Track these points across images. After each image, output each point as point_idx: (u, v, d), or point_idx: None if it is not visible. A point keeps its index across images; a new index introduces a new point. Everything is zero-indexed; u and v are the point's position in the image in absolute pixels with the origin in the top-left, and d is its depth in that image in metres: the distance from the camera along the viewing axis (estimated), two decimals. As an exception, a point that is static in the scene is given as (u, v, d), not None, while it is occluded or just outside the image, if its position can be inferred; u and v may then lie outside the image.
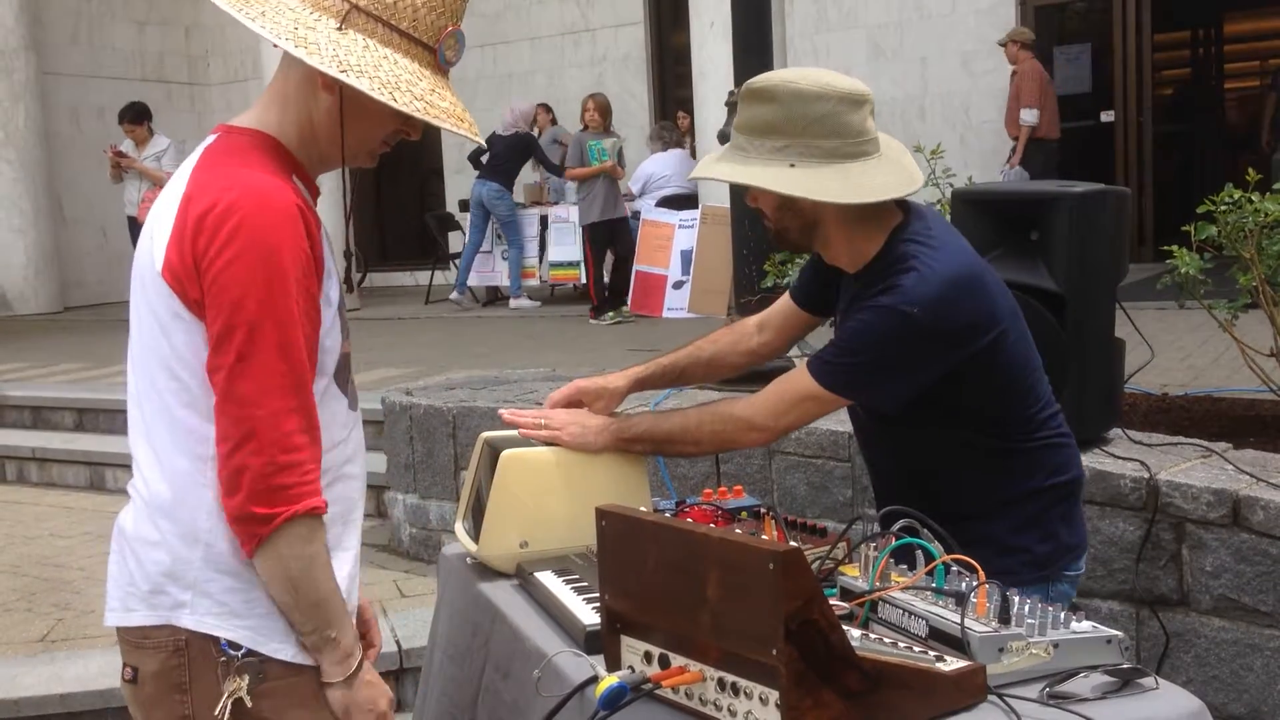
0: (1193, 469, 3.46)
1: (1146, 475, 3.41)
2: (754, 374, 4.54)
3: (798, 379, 2.22)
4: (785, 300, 2.57)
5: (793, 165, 2.12)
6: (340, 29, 1.68)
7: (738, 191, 4.54)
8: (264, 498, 1.61)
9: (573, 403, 2.48)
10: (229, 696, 1.69)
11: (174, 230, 1.66)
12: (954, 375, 2.16)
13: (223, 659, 1.70)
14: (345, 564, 1.80)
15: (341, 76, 1.64)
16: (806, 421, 2.30)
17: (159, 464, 1.71)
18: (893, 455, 2.40)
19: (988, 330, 2.14)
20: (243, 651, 1.70)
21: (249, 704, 1.69)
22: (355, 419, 1.85)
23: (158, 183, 10.57)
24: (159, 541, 1.71)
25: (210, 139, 1.77)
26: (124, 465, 6.98)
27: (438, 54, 1.75)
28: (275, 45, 1.67)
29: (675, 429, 2.31)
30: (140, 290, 1.72)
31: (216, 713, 1.68)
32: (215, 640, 1.70)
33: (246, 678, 1.70)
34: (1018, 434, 2.25)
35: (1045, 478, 2.27)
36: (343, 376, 1.81)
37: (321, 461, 1.70)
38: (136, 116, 10.78)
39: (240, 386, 1.61)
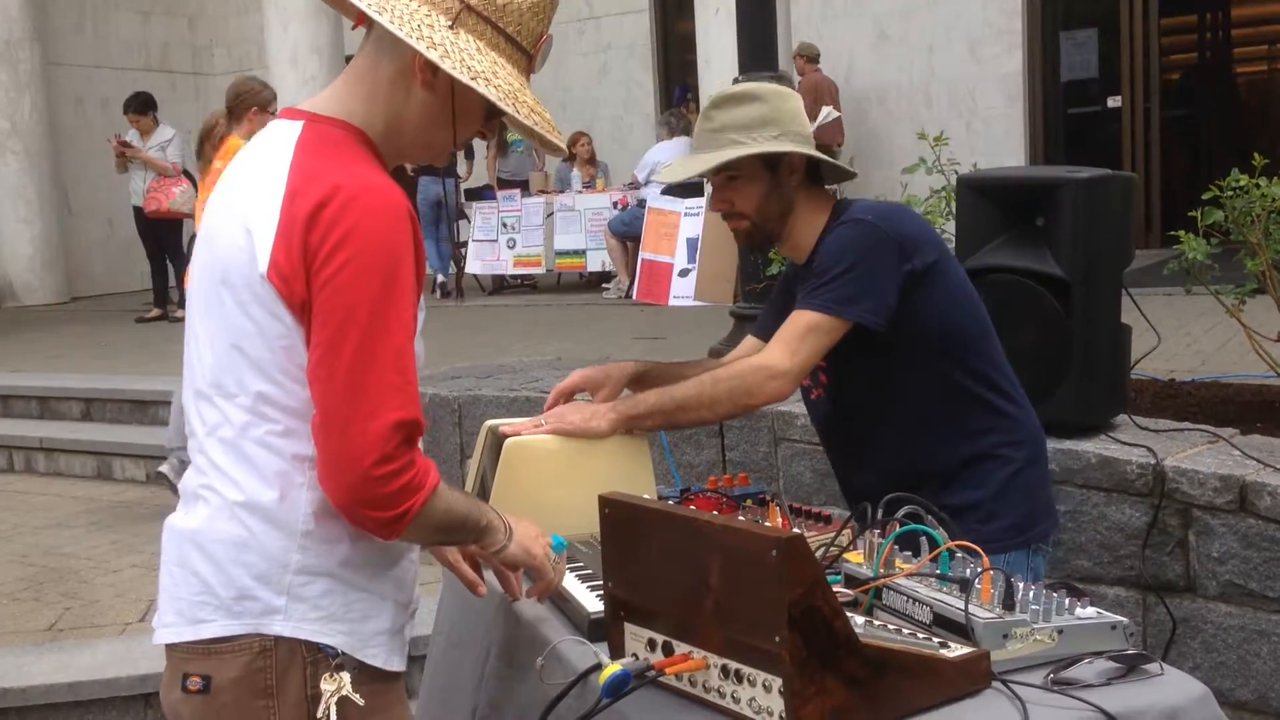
0: (1199, 455, 3.45)
1: (1153, 461, 3.40)
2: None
3: (795, 319, 2.32)
4: (749, 341, 2.64)
5: (794, 145, 2.41)
6: (452, 28, 1.65)
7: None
8: (387, 504, 1.56)
9: (576, 390, 2.48)
10: (332, 696, 1.62)
11: (280, 227, 1.57)
12: (911, 295, 2.30)
13: (311, 659, 1.63)
14: (414, 564, 1.79)
15: (472, 84, 1.62)
16: (817, 356, 2.33)
17: (247, 463, 1.63)
18: (868, 422, 2.44)
19: (932, 248, 2.36)
20: (338, 655, 1.65)
21: (360, 702, 1.63)
22: None
23: (163, 173, 10.58)
24: (249, 543, 1.63)
25: (293, 125, 1.69)
26: (131, 455, 7.03)
27: (534, 60, 1.75)
28: (408, 43, 1.62)
29: (689, 396, 2.30)
30: (223, 286, 1.63)
31: (320, 715, 1.62)
32: (304, 641, 1.63)
33: (347, 675, 1.64)
34: (978, 378, 2.37)
35: (1006, 433, 2.40)
36: None
37: None
38: (142, 106, 10.76)
39: (352, 401, 1.53)
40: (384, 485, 1.55)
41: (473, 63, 1.64)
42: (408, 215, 1.60)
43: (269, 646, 1.62)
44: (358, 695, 1.64)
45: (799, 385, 2.37)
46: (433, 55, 1.61)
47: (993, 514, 2.34)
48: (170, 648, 1.69)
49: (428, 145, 1.76)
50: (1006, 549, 2.31)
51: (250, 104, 5.89)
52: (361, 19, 1.71)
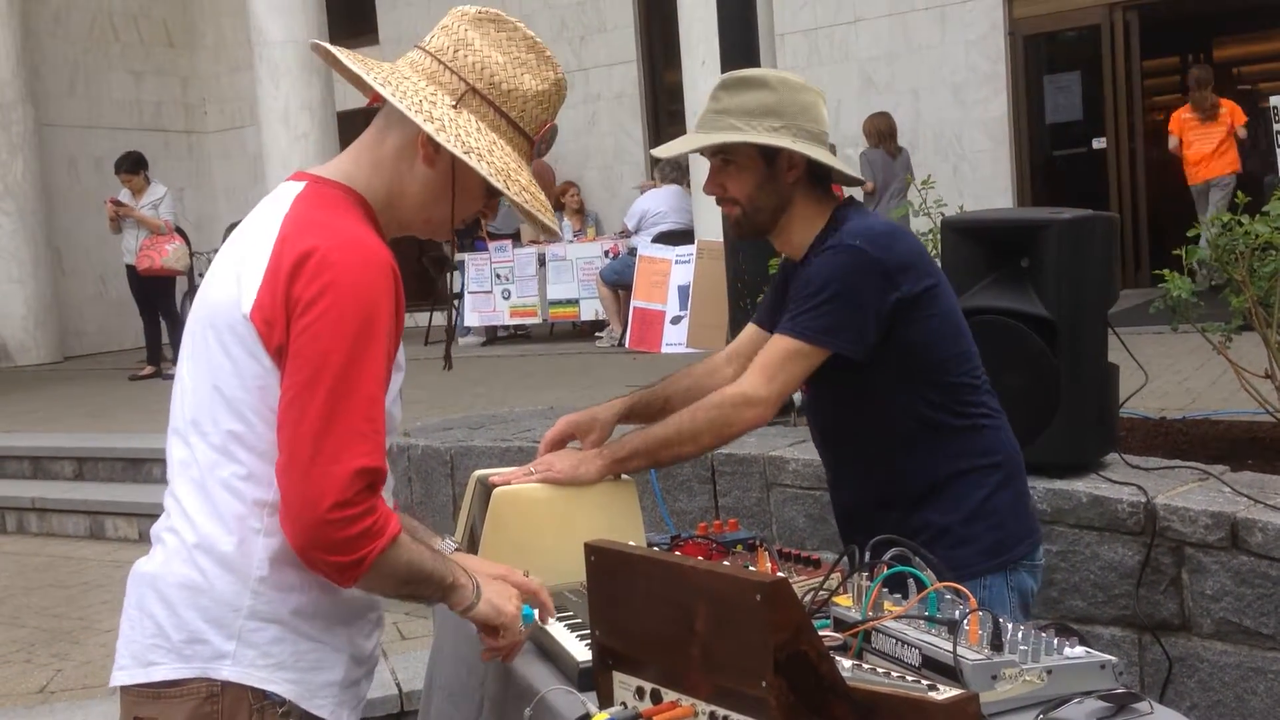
0: (1190, 492, 3.45)
1: (1144, 499, 3.40)
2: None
3: (774, 344, 2.31)
4: (750, 329, 2.64)
5: (794, 140, 2.32)
6: (455, 107, 1.73)
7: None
8: (345, 549, 1.58)
9: (564, 438, 2.49)
10: None
11: (268, 272, 1.63)
12: (894, 321, 2.26)
13: (258, 706, 1.65)
14: (371, 623, 1.81)
15: (465, 158, 1.70)
16: (796, 383, 2.33)
17: (210, 504, 1.67)
18: (844, 440, 2.46)
19: (923, 275, 2.30)
20: (284, 703, 1.67)
21: None
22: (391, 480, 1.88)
23: (155, 231, 10.63)
24: (202, 586, 1.66)
25: (296, 185, 1.76)
26: (124, 514, 7.00)
27: (535, 145, 1.82)
28: (408, 115, 1.70)
29: (669, 433, 2.32)
30: (209, 327, 1.69)
31: None
32: (251, 688, 1.65)
33: None
34: (953, 405, 2.34)
35: (981, 457, 2.36)
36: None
37: None
38: (133, 166, 10.82)
39: (319, 444, 1.57)
40: (340, 530, 1.57)
41: (469, 139, 1.71)
42: (390, 271, 1.65)
43: (216, 692, 1.65)
44: None
45: (777, 411, 2.37)
46: (429, 128, 1.69)
47: (964, 539, 2.30)
48: (124, 690, 1.72)
49: (428, 220, 1.83)
50: (980, 574, 2.27)
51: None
52: (377, 96, 1.78)
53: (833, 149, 2.48)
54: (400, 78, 1.74)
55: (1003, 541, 2.36)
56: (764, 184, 2.35)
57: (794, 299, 2.33)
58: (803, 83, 2.38)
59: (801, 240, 2.40)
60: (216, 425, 1.67)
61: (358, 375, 1.59)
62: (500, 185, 1.73)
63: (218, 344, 1.67)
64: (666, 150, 2.51)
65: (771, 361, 2.29)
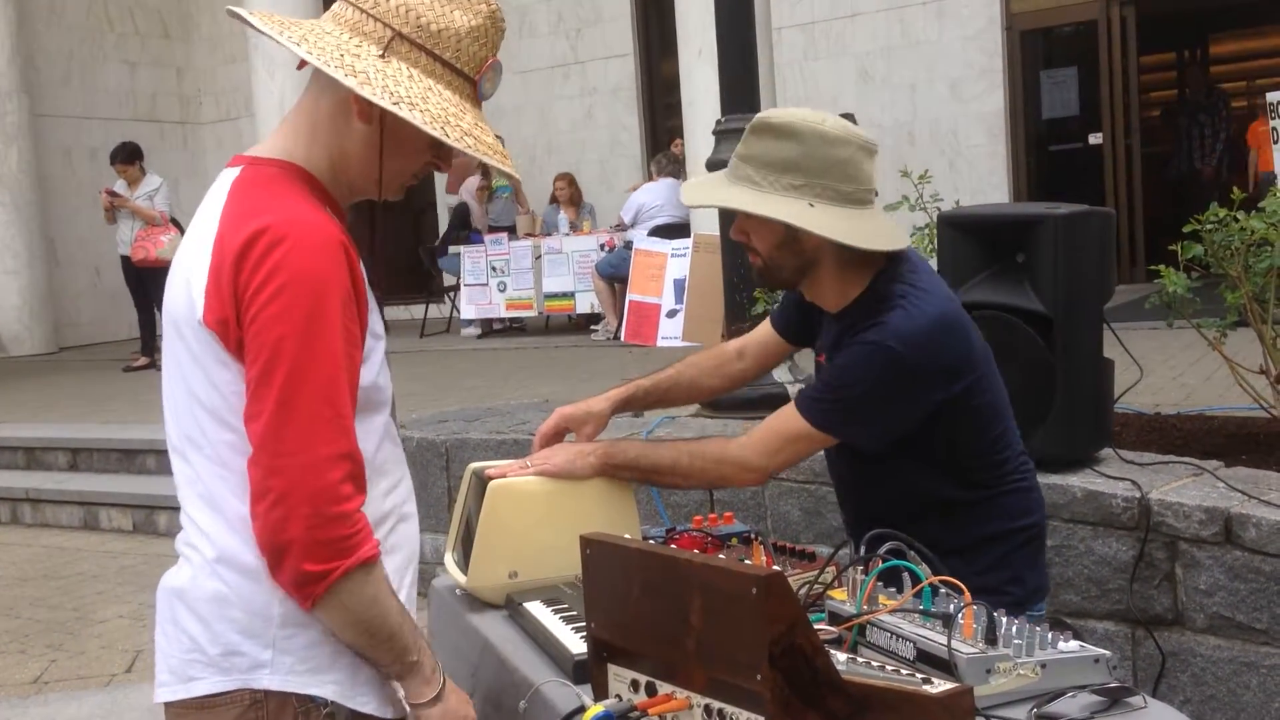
0: (1184, 487, 3.45)
1: (1138, 494, 3.40)
2: (743, 402, 4.54)
3: (788, 419, 2.25)
4: (766, 328, 2.60)
5: (811, 205, 2.14)
6: (383, 57, 1.62)
7: (727, 219, 4.55)
8: (315, 553, 1.52)
9: (559, 431, 2.49)
10: None
11: (211, 270, 1.57)
12: (932, 418, 2.19)
13: (302, 710, 1.62)
14: (405, 603, 1.76)
15: (394, 109, 1.58)
16: (798, 459, 2.33)
17: (221, 517, 1.61)
18: (863, 499, 2.42)
19: (967, 373, 2.20)
20: (328, 705, 1.64)
21: None
22: (403, 455, 1.82)
23: (150, 221, 10.62)
24: (230, 598, 1.61)
25: (233, 171, 1.68)
26: (118, 505, 7.00)
27: (478, 86, 1.71)
28: (326, 72, 1.60)
29: (665, 462, 2.31)
30: (178, 339, 1.63)
31: None
32: (294, 694, 1.62)
33: None
34: (986, 481, 2.29)
35: (1008, 521, 2.31)
36: (393, 414, 1.77)
37: (384, 503, 1.69)
38: (128, 157, 10.81)
39: (282, 434, 1.51)
40: (321, 529, 1.52)
41: (398, 89, 1.60)
42: (340, 247, 1.59)
43: (260, 699, 1.62)
44: None
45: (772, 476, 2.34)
46: (350, 82, 1.59)
47: (974, 592, 2.25)
48: (167, 705, 1.68)
49: (376, 180, 1.73)
50: None
51: None
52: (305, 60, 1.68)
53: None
54: (320, 34, 1.63)
55: (1018, 600, 2.26)
56: (784, 244, 2.20)
57: (825, 373, 2.27)
58: (840, 134, 2.15)
59: (837, 300, 2.28)
60: (208, 438, 1.62)
61: (312, 359, 1.52)
62: (437, 133, 1.60)
63: (186, 354, 1.62)
64: (691, 198, 2.40)
65: (778, 436, 2.25)
